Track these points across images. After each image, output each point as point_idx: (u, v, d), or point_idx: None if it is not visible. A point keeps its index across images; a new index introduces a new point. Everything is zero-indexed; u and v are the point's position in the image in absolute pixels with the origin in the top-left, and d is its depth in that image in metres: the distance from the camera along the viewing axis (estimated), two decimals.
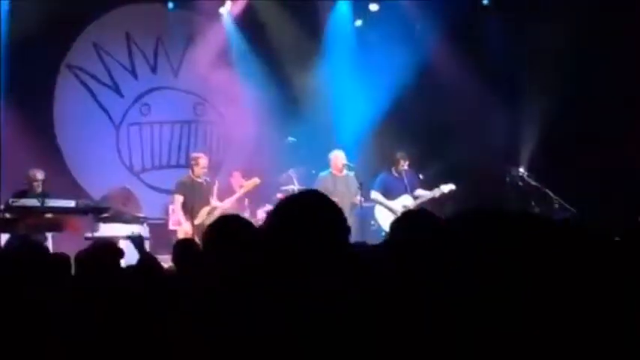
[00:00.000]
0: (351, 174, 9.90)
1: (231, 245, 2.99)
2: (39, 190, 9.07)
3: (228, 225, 3.14)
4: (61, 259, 4.12)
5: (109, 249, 4.45)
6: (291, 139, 10.62)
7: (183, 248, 4.88)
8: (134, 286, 3.14)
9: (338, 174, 9.94)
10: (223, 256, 2.98)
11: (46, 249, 4.27)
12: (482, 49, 11.03)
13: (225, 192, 10.12)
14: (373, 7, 11.69)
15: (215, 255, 3.06)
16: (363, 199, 9.65)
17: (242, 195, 9.84)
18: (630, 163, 9.74)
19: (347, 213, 3.10)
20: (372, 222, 10.06)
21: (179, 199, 9.47)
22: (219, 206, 9.43)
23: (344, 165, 9.93)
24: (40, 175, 9.19)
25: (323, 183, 9.76)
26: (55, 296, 2.96)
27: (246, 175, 10.13)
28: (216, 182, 9.95)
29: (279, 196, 10.23)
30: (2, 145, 9.93)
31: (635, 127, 9.82)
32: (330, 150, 10.17)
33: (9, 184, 9.36)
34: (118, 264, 4.42)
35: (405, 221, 3.44)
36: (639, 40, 9.84)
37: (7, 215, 8.63)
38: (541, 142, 10.59)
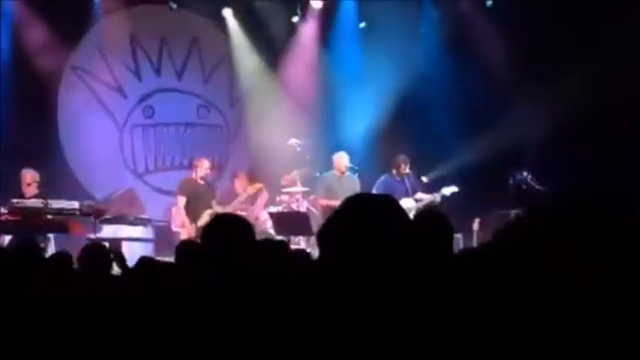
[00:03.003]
0: (354, 175, 9.93)
1: (227, 245, 3.00)
2: (34, 191, 9.06)
3: (223, 226, 3.15)
4: (61, 257, 4.12)
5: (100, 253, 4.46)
6: (295, 141, 10.56)
7: (185, 249, 4.88)
8: (130, 292, 3.12)
9: (341, 175, 9.95)
10: (220, 257, 2.99)
11: (40, 250, 4.25)
12: (485, 50, 11.00)
13: (230, 194, 10.14)
14: None
15: (212, 255, 3.06)
16: None
17: (245, 198, 9.86)
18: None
19: None
20: None
21: (182, 200, 9.49)
22: (222, 209, 9.41)
23: (347, 167, 9.95)
24: (30, 176, 9.16)
25: (326, 183, 9.81)
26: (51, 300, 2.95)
27: (251, 177, 10.13)
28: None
29: (283, 198, 10.22)
30: (5, 147, 9.93)
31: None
32: (333, 152, 10.19)
33: (10, 185, 9.35)
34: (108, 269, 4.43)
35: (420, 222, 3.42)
36: None
37: (10, 216, 8.63)
38: (545, 144, 10.53)
